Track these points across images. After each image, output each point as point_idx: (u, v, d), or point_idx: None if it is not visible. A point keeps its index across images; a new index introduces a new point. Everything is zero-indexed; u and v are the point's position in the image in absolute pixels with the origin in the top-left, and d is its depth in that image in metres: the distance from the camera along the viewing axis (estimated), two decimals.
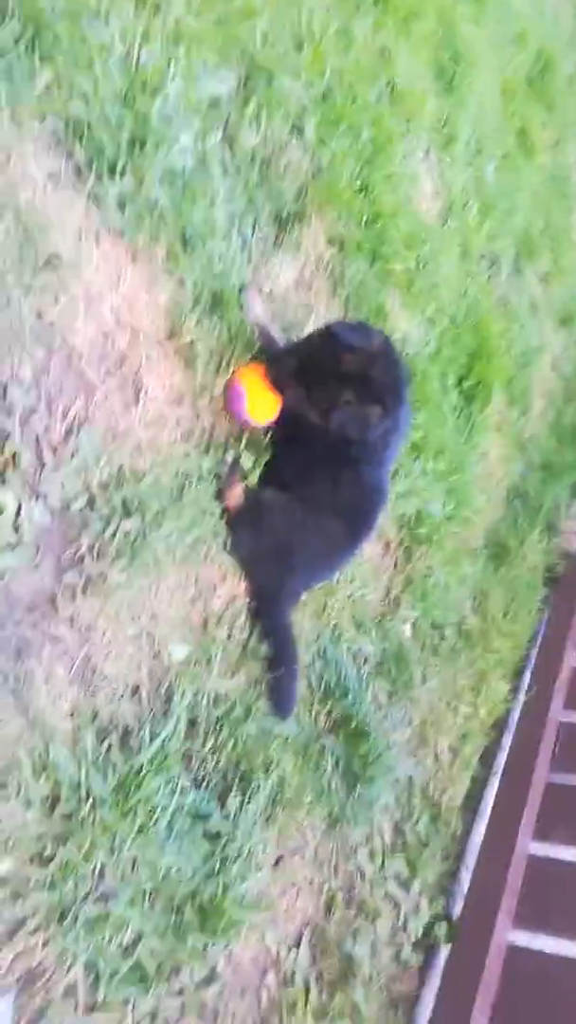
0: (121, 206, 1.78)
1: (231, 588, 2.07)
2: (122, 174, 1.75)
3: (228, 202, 2.07)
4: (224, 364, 1.98)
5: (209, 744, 1.93)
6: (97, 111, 1.69)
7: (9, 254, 1.52)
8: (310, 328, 2.37)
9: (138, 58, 1.79)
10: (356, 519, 2.10)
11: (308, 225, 2.37)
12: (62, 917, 1.55)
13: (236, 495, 2.02)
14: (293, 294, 2.33)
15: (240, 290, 2.08)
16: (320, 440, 1.96)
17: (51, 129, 1.66)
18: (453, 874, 2.74)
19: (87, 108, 1.67)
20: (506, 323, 3.72)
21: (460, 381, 3.20)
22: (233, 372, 2.00)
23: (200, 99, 1.96)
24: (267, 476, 2.10)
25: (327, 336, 1.91)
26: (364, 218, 2.59)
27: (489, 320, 3.41)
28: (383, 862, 2.48)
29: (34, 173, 1.62)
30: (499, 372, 3.50)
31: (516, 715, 3.33)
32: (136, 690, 1.80)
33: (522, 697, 3.38)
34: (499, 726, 3.27)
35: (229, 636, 2.04)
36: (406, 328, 2.84)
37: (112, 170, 1.74)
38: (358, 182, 2.57)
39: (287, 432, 2.08)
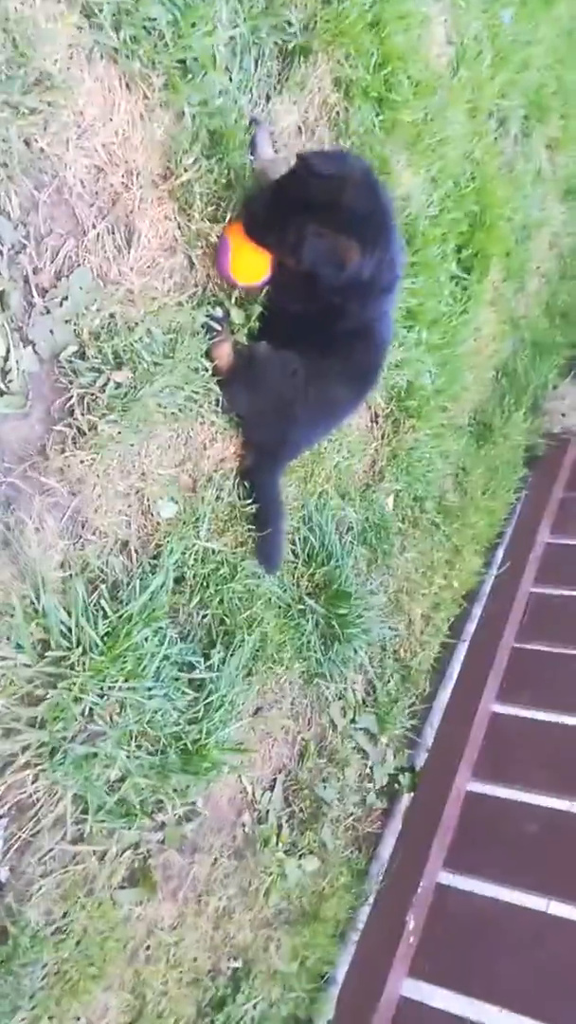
0: (116, 24, 1.61)
1: (221, 449, 2.05)
2: None
3: (231, 29, 1.89)
4: (222, 210, 1.87)
5: (195, 600, 1.97)
6: None
7: None
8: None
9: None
10: (357, 371, 2.03)
11: (314, 63, 2.19)
12: (52, 753, 1.62)
13: (225, 353, 1.96)
14: (294, 139, 2.18)
15: (249, 126, 1.94)
16: (311, 293, 1.84)
17: None
18: (419, 730, 2.92)
19: None
20: (510, 190, 3.56)
21: (459, 250, 3.08)
22: (224, 225, 1.89)
23: None
24: (263, 332, 2.02)
25: (300, 166, 1.73)
26: (373, 60, 2.39)
27: (493, 186, 3.25)
28: (354, 716, 2.62)
29: None
30: (498, 243, 3.37)
31: (487, 587, 3.44)
32: (125, 545, 1.81)
33: (494, 571, 3.48)
34: (471, 597, 3.39)
35: (218, 497, 2.04)
36: (409, 186, 2.69)
37: None
38: (369, 16, 2.35)
39: (279, 290, 1.99)
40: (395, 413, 2.82)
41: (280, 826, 2.30)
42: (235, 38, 1.92)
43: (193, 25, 1.75)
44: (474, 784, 2.74)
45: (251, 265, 1.86)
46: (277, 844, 2.25)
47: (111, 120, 1.65)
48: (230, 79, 1.93)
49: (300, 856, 2.33)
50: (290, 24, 2.10)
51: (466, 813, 2.65)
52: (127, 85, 1.68)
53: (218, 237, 1.89)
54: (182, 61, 1.76)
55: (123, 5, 1.62)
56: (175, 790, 1.88)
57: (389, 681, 2.77)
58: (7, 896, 1.60)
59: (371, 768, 2.67)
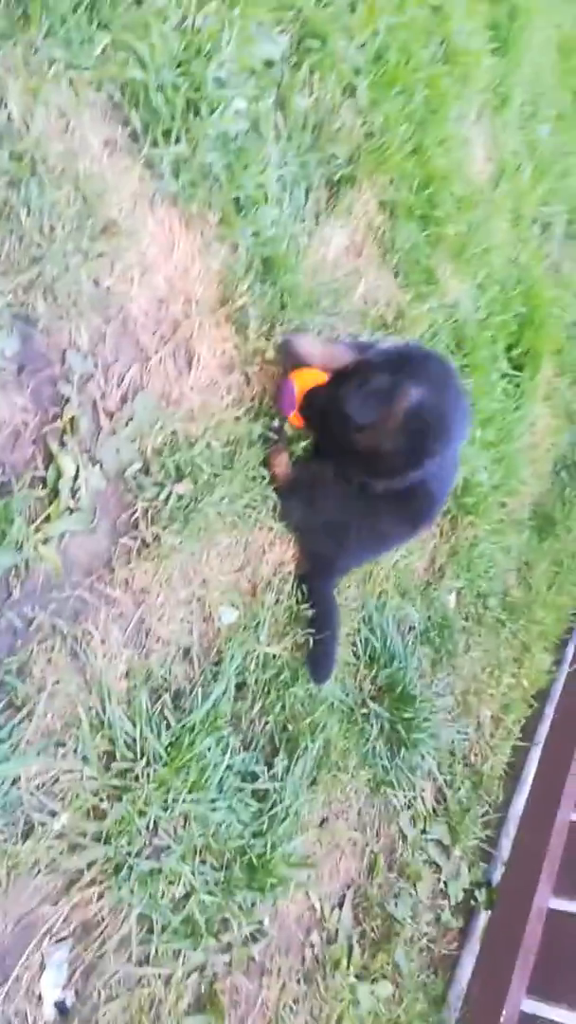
0: (175, 172, 1.77)
1: (279, 554, 2.09)
2: (177, 139, 1.74)
3: (280, 167, 2.05)
4: (275, 328, 1.98)
5: (257, 706, 1.97)
6: (153, 76, 1.68)
7: (68, 221, 1.53)
8: (358, 294, 2.36)
9: (194, 22, 1.77)
10: (409, 515, 2.04)
11: (359, 189, 2.33)
12: (117, 870, 1.61)
13: (283, 462, 2.03)
14: (343, 259, 2.30)
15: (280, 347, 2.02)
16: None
17: (108, 96, 1.66)
18: (493, 841, 2.78)
19: (143, 74, 1.66)
20: (557, 290, 3.64)
21: (509, 348, 3.15)
22: (288, 373, 1.97)
23: (254, 62, 1.93)
24: (319, 451, 2.09)
25: (341, 405, 1.77)
26: (416, 182, 2.54)
27: (540, 287, 3.34)
28: (425, 826, 2.52)
29: (91, 140, 1.62)
30: (549, 341, 3.43)
31: (559, 686, 3.32)
32: (187, 652, 1.83)
33: (566, 668, 3.37)
34: (541, 697, 3.27)
35: (277, 601, 2.06)
36: (456, 294, 2.79)
37: (167, 135, 1.73)
38: (410, 145, 2.52)
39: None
40: (453, 509, 2.83)
41: (351, 947, 2.19)
42: (284, 174, 2.08)
43: (245, 167, 1.91)
44: (556, 901, 2.57)
45: None
46: (348, 967, 2.15)
47: (171, 256, 1.79)
48: (281, 210, 2.07)
49: (373, 980, 2.21)
50: (335, 157, 2.26)
51: (549, 933, 2.48)
52: (186, 224, 1.82)
53: (279, 383, 1.99)
54: (236, 199, 1.91)
55: (181, 155, 1.78)
56: (241, 908, 1.83)
57: (460, 788, 2.67)
58: (73, 1022, 1.55)
59: (445, 883, 2.54)
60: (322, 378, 1.90)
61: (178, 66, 1.75)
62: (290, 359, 1.96)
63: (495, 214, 3.12)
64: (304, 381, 1.90)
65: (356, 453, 1.82)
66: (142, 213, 1.71)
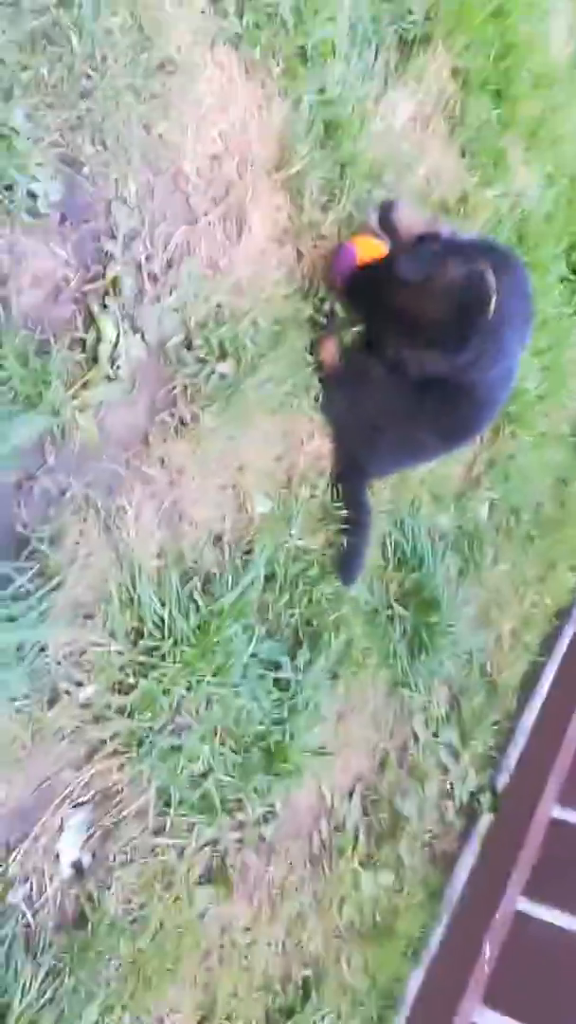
0: (240, 11, 1.60)
1: (318, 446, 2.01)
2: None
3: (352, 17, 1.85)
4: (334, 202, 1.83)
5: (284, 599, 1.93)
6: None
7: (122, 52, 1.39)
8: (421, 172, 2.19)
9: None
10: (450, 425, 1.94)
11: (433, 52, 2.13)
12: (139, 744, 1.61)
13: (330, 349, 1.93)
14: (409, 130, 2.12)
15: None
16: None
17: None
18: (503, 749, 2.80)
19: None
20: None
21: (571, 250, 2.96)
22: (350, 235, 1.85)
23: None
24: (373, 344, 1.97)
25: (390, 263, 1.69)
26: (494, 51, 2.32)
27: None
28: (437, 729, 2.54)
29: None
30: None
31: None
32: (219, 539, 1.79)
33: None
34: (562, 615, 3.24)
35: (312, 496, 2.00)
36: (524, 183, 2.60)
37: None
38: (492, 6, 2.28)
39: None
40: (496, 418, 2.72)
41: (357, 837, 2.24)
42: (356, 25, 1.88)
43: (316, 12, 1.72)
44: (560, 811, 2.61)
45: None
46: (353, 855, 2.20)
47: (229, 108, 1.63)
48: (348, 67, 1.88)
49: (376, 869, 2.26)
50: (411, 12, 2.05)
51: (550, 840, 2.53)
52: (247, 71, 1.66)
53: (338, 245, 1.85)
54: (302, 48, 1.74)
55: None
56: (256, 790, 1.85)
57: (475, 697, 2.67)
58: (88, 882, 1.59)
59: (452, 785, 2.58)
60: (382, 252, 1.77)
61: None
62: (384, 224, 1.82)
63: (572, 100, 2.87)
64: (366, 250, 1.78)
65: (400, 320, 1.71)
66: (202, 53, 1.56)
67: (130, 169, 1.47)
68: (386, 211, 1.81)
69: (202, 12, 1.54)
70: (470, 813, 2.65)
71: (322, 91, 1.78)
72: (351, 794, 2.25)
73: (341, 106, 1.84)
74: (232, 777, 1.78)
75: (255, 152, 1.69)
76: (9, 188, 1.28)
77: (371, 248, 1.78)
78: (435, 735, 2.54)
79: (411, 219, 1.80)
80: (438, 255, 1.62)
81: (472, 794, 2.64)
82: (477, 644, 2.70)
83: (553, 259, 2.79)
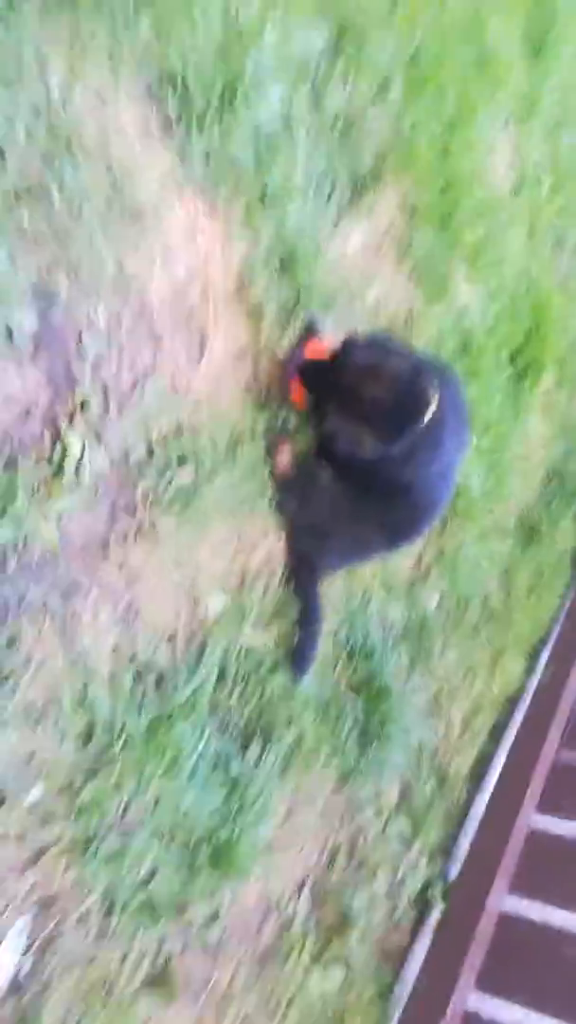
0: (206, 160, 1.77)
1: (271, 545, 2.11)
2: (210, 129, 1.74)
3: (308, 162, 2.05)
4: (289, 324, 1.99)
5: (236, 694, 1.99)
6: (193, 62, 1.67)
7: (97, 202, 1.53)
8: (372, 295, 2.37)
9: (237, 11, 1.75)
10: (395, 524, 2.08)
11: (383, 190, 2.33)
12: (85, 847, 1.64)
13: (284, 455, 2.05)
14: (360, 259, 2.31)
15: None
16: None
17: (146, 80, 1.65)
18: (454, 838, 2.84)
19: (183, 59, 1.65)
20: (565, 305, 3.66)
21: (513, 359, 3.16)
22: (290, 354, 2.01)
23: (292, 54, 1.93)
24: (319, 451, 2.11)
25: (342, 349, 1.84)
26: (439, 184, 2.54)
27: (549, 299, 3.36)
28: (388, 820, 2.57)
29: (126, 123, 1.61)
30: (552, 351, 3.45)
31: (529, 694, 3.38)
32: (173, 637, 1.85)
33: (537, 676, 3.42)
34: (511, 702, 3.33)
35: (264, 593, 2.08)
36: (467, 300, 2.80)
37: (200, 124, 1.73)
38: (438, 145, 2.51)
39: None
40: (444, 512, 2.85)
41: (306, 934, 2.24)
42: (311, 169, 2.07)
43: (273, 162, 1.91)
44: (510, 900, 2.64)
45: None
46: (301, 953, 2.20)
47: (194, 244, 1.78)
48: (304, 205, 2.06)
49: (325, 967, 2.26)
50: (363, 154, 2.25)
51: (500, 931, 2.55)
52: (211, 213, 1.82)
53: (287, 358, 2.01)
54: (262, 191, 1.91)
55: (213, 144, 1.77)
56: (202, 892, 1.87)
57: (425, 784, 2.72)
58: (24, 996, 1.58)
59: (403, 876, 2.60)
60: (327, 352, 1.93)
61: (218, 52, 1.74)
62: (309, 334, 1.99)
63: (512, 224, 3.12)
64: (314, 352, 1.93)
65: (343, 395, 1.81)
66: (169, 199, 1.71)
67: (101, 300, 1.60)
68: (308, 323, 2.01)
69: (170, 164, 1.70)
70: (421, 905, 2.66)
71: (280, 227, 1.95)
72: (300, 890, 2.27)
73: (297, 239, 2.00)
74: (179, 877, 1.80)
75: (217, 283, 1.84)
76: None
77: (320, 350, 1.94)
78: (385, 826, 2.57)
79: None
80: (388, 350, 1.78)
81: (424, 885, 2.66)
82: (427, 733, 2.77)
83: (495, 367, 2.99)
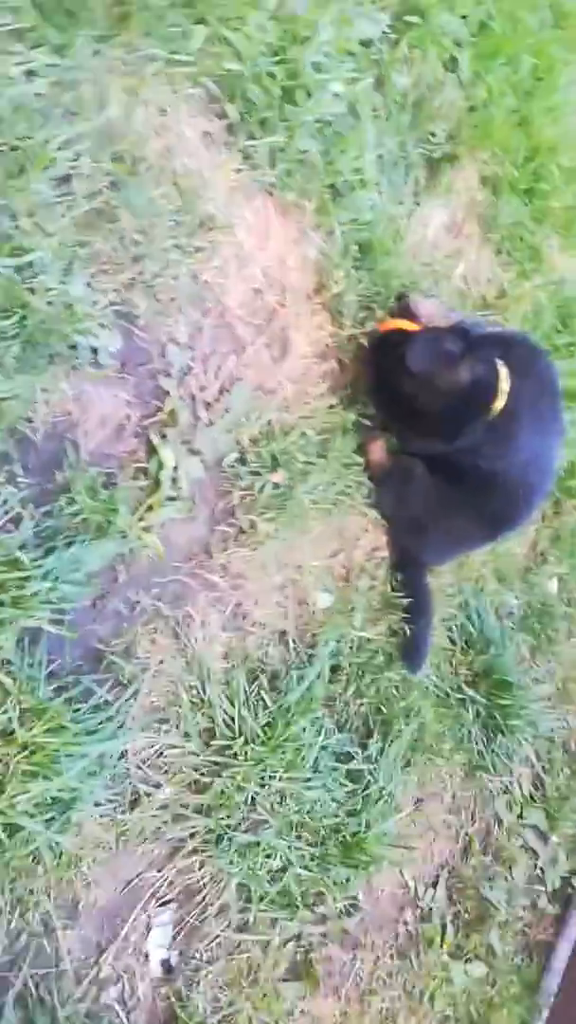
0: (272, 161, 1.79)
1: (373, 539, 2.10)
2: (273, 129, 1.76)
3: (378, 149, 2.02)
4: (372, 315, 1.97)
5: (351, 689, 2.00)
6: (249, 67, 1.69)
7: (166, 218, 1.58)
8: (458, 274, 2.31)
9: (290, 7, 1.76)
10: (489, 514, 2.00)
11: (460, 167, 2.27)
12: (218, 841, 1.69)
13: (377, 449, 2.03)
14: (444, 239, 2.26)
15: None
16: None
17: (205, 90, 1.69)
18: None
19: (240, 65, 1.68)
20: None
21: None
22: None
23: (351, 43, 1.91)
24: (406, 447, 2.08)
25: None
26: (520, 155, 2.45)
27: None
28: (521, 812, 2.50)
29: (189, 135, 1.66)
30: None
31: None
32: (283, 636, 1.88)
33: None
34: None
35: (371, 587, 2.08)
36: (563, 270, 2.68)
37: (263, 125, 1.75)
38: (516, 116, 2.43)
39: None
40: (556, 493, 2.74)
41: (444, 926, 2.22)
42: (383, 155, 2.05)
43: (343, 152, 1.90)
44: None
45: None
46: (441, 945, 2.18)
47: (267, 246, 1.81)
48: (379, 193, 2.05)
49: (466, 960, 2.23)
50: (435, 135, 2.21)
51: None
52: (282, 213, 1.84)
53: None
54: (332, 185, 1.91)
55: (277, 144, 1.79)
56: (335, 883, 1.88)
57: (559, 775, 2.63)
58: (177, 980, 1.66)
59: (541, 869, 2.52)
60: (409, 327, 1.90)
61: (274, 54, 1.76)
62: (406, 316, 1.96)
63: None
64: (394, 324, 1.92)
65: (400, 402, 1.80)
66: (238, 205, 1.74)
67: (180, 314, 1.65)
68: (405, 304, 1.98)
69: (237, 170, 1.73)
70: (564, 898, 2.58)
71: (355, 219, 1.94)
72: (435, 882, 2.25)
73: (374, 228, 1.99)
74: (310, 870, 1.83)
75: (294, 281, 1.86)
76: (73, 347, 1.47)
77: (399, 324, 1.91)
78: (520, 817, 2.50)
79: (431, 312, 1.94)
80: (450, 354, 1.71)
81: (564, 879, 2.57)
82: (557, 722, 2.67)
83: None
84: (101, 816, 1.54)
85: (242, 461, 1.77)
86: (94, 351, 1.50)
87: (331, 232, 1.92)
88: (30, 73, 1.44)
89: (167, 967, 1.69)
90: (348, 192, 1.94)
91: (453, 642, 2.32)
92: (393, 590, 2.10)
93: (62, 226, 1.46)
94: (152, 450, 1.61)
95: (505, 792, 2.46)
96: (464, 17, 2.27)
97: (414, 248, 2.16)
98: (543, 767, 2.60)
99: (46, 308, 1.42)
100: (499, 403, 1.73)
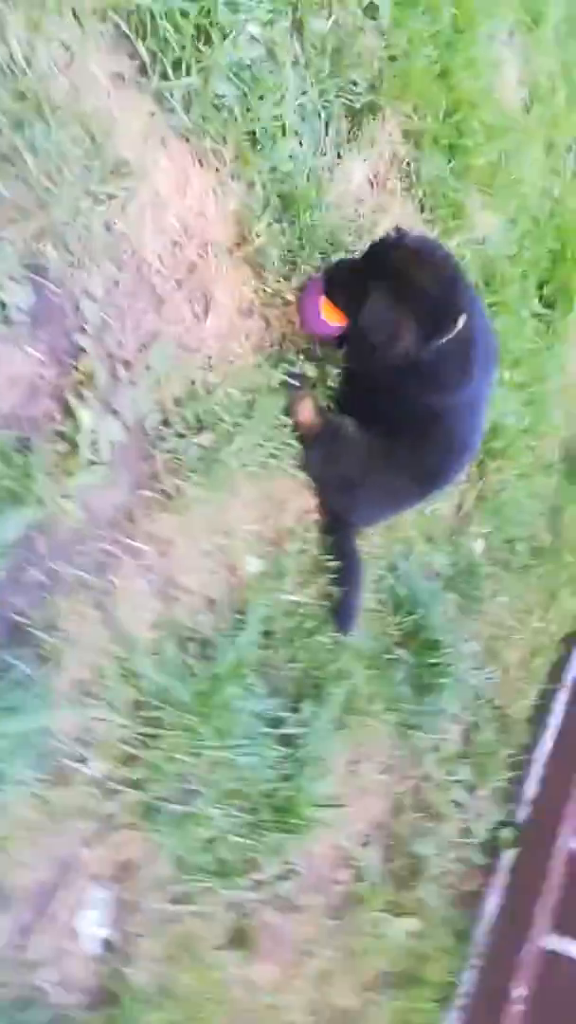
0: (187, 106, 1.70)
1: (302, 503, 2.06)
2: (187, 71, 1.66)
3: (298, 96, 1.95)
4: (295, 270, 1.91)
5: (283, 654, 1.97)
6: (160, 2, 1.59)
7: (76, 163, 1.48)
8: (381, 229, 2.26)
9: None
10: (425, 467, 1.99)
11: (382, 118, 2.22)
12: (149, 813, 1.65)
13: (305, 408, 1.99)
14: (366, 193, 2.21)
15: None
16: (386, 376, 1.86)
17: (114, 26, 1.58)
18: (519, 782, 2.80)
19: (151, 0, 1.57)
20: None
21: (541, 286, 3.02)
22: (308, 280, 1.93)
23: None
24: (340, 400, 2.04)
25: (389, 234, 1.75)
26: (442, 109, 2.41)
27: (574, 220, 3.19)
28: (451, 768, 2.54)
29: (98, 75, 1.55)
30: None
31: None
32: (213, 603, 1.84)
33: None
34: (569, 641, 3.25)
35: (301, 550, 2.05)
36: (486, 227, 2.68)
37: (177, 66, 1.65)
38: (436, 68, 2.38)
39: (350, 353, 2.02)
40: (480, 454, 2.76)
41: (378, 884, 2.24)
42: (303, 104, 1.98)
43: (261, 98, 1.82)
44: None
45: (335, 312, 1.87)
46: (375, 903, 2.20)
47: (185, 196, 1.72)
48: (300, 143, 1.98)
49: (400, 916, 2.26)
50: (356, 84, 2.14)
51: (571, 873, 2.51)
52: (199, 161, 1.75)
53: (300, 289, 1.93)
54: (251, 132, 1.83)
55: (192, 87, 1.70)
56: (270, 849, 1.87)
57: (486, 731, 2.68)
58: (114, 958, 1.62)
59: (469, 822, 2.58)
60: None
61: None
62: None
63: (527, 142, 2.96)
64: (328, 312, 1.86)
65: (391, 283, 1.70)
66: (153, 151, 1.65)
67: (94, 266, 1.56)
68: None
69: (151, 114, 1.63)
70: (492, 850, 2.65)
71: (275, 169, 1.87)
72: (368, 842, 2.26)
73: (295, 179, 1.92)
74: (245, 838, 1.81)
75: (214, 233, 1.78)
76: None
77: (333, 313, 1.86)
78: (449, 774, 2.55)
79: None
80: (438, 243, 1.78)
81: (491, 830, 2.64)
82: (484, 679, 2.72)
83: (523, 297, 2.86)
84: (29, 796, 1.47)
85: (165, 423, 1.70)
86: (2, 306, 1.40)
87: (251, 183, 1.84)
88: None
89: (106, 945, 1.64)
90: (268, 141, 1.87)
91: (382, 603, 2.33)
92: (323, 554, 2.08)
93: None
94: (69, 412, 1.52)
95: (436, 750, 2.49)
96: None
97: (337, 201, 2.11)
98: (472, 723, 2.64)
99: None
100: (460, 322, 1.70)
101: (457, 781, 2.55)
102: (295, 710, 1.96)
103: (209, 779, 1.74)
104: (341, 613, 2.10)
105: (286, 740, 1.92)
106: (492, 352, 1.92)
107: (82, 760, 1.56)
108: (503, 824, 2.66)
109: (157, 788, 1.65)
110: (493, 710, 2.77)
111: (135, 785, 1.63)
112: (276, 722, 1.91)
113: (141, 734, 1.64)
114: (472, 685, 2.64)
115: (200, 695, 1.72)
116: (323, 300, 1.86)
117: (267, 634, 1.95)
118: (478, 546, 2.78)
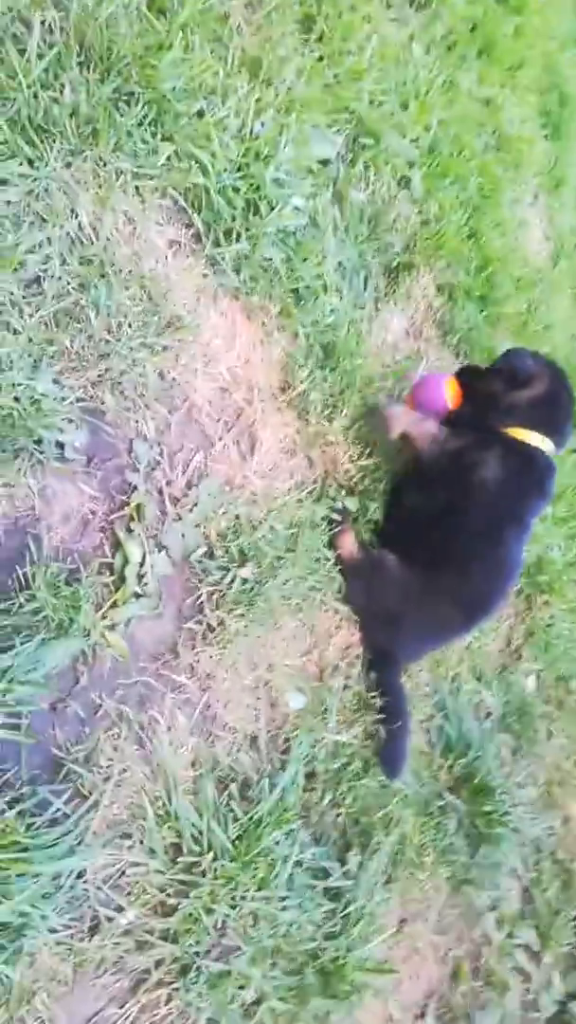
0: (237, 268, 1.85)
1: (346, 637, 2.05)
2: (238, 238, 1.83)
3: (338, 257, 2.12)
4: (336, 412, 2.01)
5: (328, 798, 1.89)
6: (214, 181, 1.78)
7: (134, 319, 1.61)
8: (419, 373, 2.38)
9: (252, 129, 1.88)
10: (472, 594, 2.01)
11: (417, 275, 2.39)
12: (185, 971, 1.55)
13: (347, 542, 2.02)
14: (404, 342, 2.34)
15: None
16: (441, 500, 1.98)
17: (172, 201, 1.77)
18: None
19: (205, 179, 1.77)
20: None
21: None
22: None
23: (310, 161, 2.04)
24: (384, 534, 2.08)
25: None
26: (473, 265, 2.59)
27: None
28: (511, 930, 2.35)
29: (156, 242, 1.72)
30: None
31: None
32: (254, 740, 1.80)
33: None
34: None
35: (345, 686, 2.01)
36: None
37: (228, 235, 1.82)
38: (466, 230, 2.58)
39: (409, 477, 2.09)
40: (526, 588, 2.74)
41: None
42: (343, 263, 2.14)
43: (304, 260, 1.98)
44: None
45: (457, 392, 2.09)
46: None
47: (233, 347, 1.85)
48: (340, 298, 2.12)
49: None
50: (392, 245, 2.32)
51: None
52: (247, 316, 1.89)
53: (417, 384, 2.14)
54: (295, 290, 1.98)
55: (242, 252, 1.86)
56: (315, 1016, 1.72)
57: (548, 888, 2.48)
58: None
59: (535, 993, 2.34)
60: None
61: (238, 170, 1.85)
62: (380, 424, 2.05)
63: (555, 292, 3.14)
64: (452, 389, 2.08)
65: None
66: (205, 307, 1.79)
67: (148, 410, 1.66)
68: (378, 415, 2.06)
69: (204, 275, 1.79)
70: None
71: (316, 322, 2.01)
72: (423, 1013, 2.07)
73: (336, 331, 2.05)
74: (287, 1003, 1.67)
75: (260, 380, 1.89)
76: (39, 442, 1.45)
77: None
78: (510, 936, 2.35)
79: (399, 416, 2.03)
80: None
81: (560, 1003, 2.38)
82: (544, 829, 2.55)
83: None
84: (57, 944, 1.40)
85: (210, 556, 1.74)
86: (60, 446, 1.49)
87: (295, 334, 1.97)
88: (2, 182, 1.49)
89: None
90: (310, 297, 2.01)
91: (431, 745, 2.25)
92: (368, 690, 2.03)
93: (30, 324, 1.48)
94: (117, 545, 1.58)
95: (493, 908, 2.31)
96: (414, 140, 2.43)
97: (376, 349, 2.23)
98: (532, 879, 2.46)
99: (12, 403, 1.41)
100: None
101: (519, 945, 2.35)
102: (341, 861, 1.86)
103: (249, 935, 1.63)
104: (388, 755, 2.02)
105: (331, 893, 1.81)
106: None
107: (116, 908, 1.49)
108: (573, 997, 2.40)
109: (193, 943, 1.55)
110: (555, 864, 2.58)
111: (170, 938, 1.54)
112: (321, 873, 1.81)
113: (178, 881, 1.56)
114: (531, 836, 2.47)
115: (241, 840, 1.65)
116: (448, 378, 2.07)
117: (310, 776, 1.88)
118: (530, 683, 2.69)
